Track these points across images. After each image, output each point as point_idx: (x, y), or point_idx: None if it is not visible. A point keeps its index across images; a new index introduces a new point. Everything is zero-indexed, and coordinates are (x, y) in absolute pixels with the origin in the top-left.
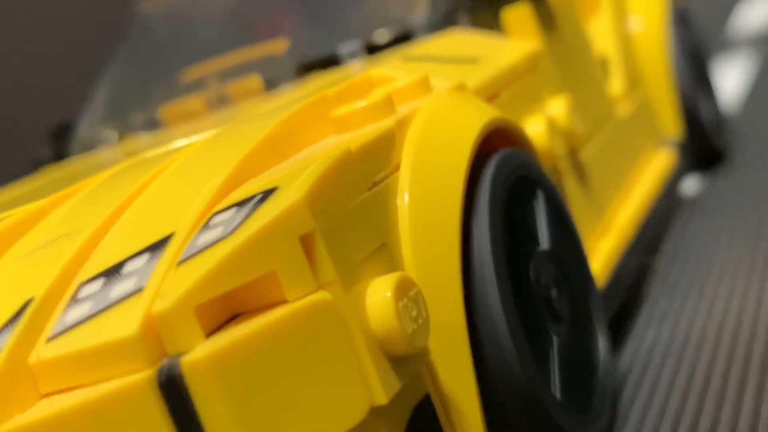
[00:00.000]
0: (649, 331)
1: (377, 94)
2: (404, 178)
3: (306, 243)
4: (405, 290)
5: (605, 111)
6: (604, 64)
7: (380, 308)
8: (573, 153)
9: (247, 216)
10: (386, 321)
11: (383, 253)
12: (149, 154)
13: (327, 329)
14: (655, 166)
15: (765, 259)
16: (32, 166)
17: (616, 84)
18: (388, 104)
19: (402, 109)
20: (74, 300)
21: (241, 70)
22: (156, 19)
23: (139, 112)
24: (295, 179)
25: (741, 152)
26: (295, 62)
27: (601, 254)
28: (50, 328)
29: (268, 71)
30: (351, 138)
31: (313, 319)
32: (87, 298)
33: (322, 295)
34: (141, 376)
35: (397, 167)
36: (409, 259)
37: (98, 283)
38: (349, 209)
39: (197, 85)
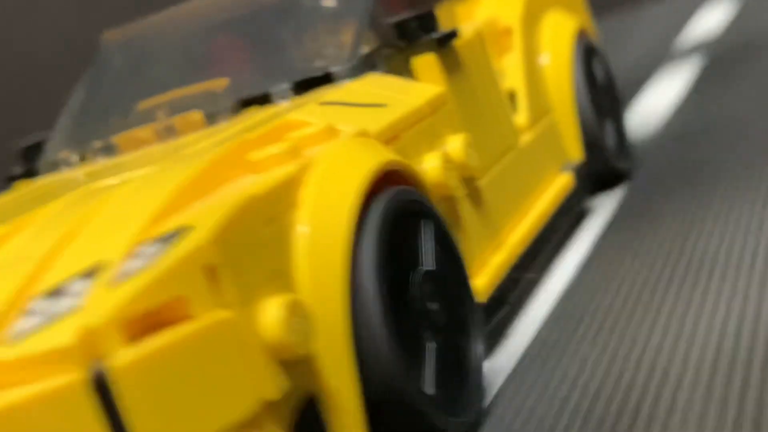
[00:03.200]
0: (535, 340)
1: (287, 142)
2: (302, 213)
3: (210, 272)
4: (295, 310)
5: (508, 142)
6: (513, 97)
7: (272, 323)
8: (469, 182)
9: (165, 249)
10: (276, 333)
11: (280, 279)
12: (98, 184)
13: (226, 340)
14: (554, 189)
15: (667, 277)
16: (7, 180)
17: (522, 116)
18: (295, 150)
19: (308, 153)
20: (25, 313)
21: (187, 103)
22: (116, 50)
23: (97, 137)
24: (207, 219)
25: (648, 171)
26: (233, 99)
27: (490, 269)
28: (3, 336)
29: (210, 106)
30: (260, 180)
31: (215, 332)
32: (35, 312)
33: (222, 313)
34: (76, 376)
35: (297, 206)
36: (304, 282)
37: (45, 300)
38: (251, 242)
39: (149, 115)
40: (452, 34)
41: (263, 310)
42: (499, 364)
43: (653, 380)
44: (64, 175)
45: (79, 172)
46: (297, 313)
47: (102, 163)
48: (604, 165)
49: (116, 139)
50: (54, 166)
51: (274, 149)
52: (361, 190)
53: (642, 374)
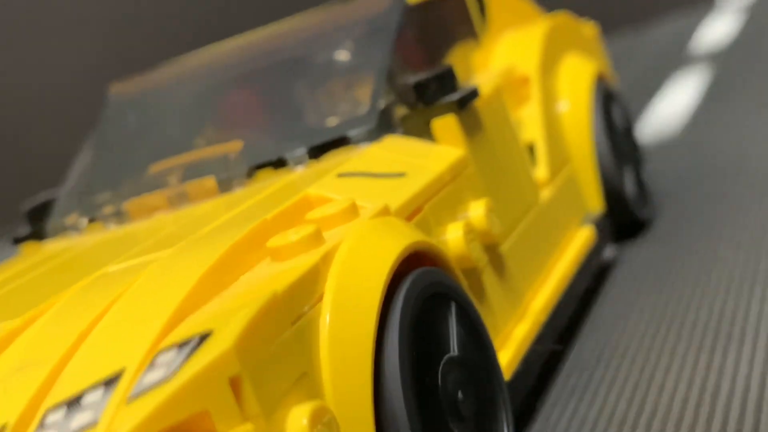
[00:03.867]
0: (556, 408)
1: (308, 225)
2: (325, 308)
3: (234, 384)
4: (319, 417)
5: (529, 201)
6: (532, 149)
7: None
8: (491, 249)
9: (185, 359)
10: None
11: (303, 382)
12: (111, 268)
13: None
14: (575, 245)
15: (676, 334)
16: (14, 241)
17: (542, 170)
18: (316, 237)
19: (330, 235)
20: (41, 426)
21: (200, 167)
22: (124, 106)
23: (107, 201)
24: (226, 324)
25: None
26: (247, 164)
27: (514, 342)
28: None
29: (223, 171)
30: (280, 272)
31: None
32: (51, 425)
33: (246, 427)
34: None
35: (320, 298)
36: (328, 383)
37: (61, 412)
38: (274, 347)
39: (160, 179)
40: (473, 95)
41: (289, 420)
42: None
43: None
44: (74, 241)
45: (88, 241)
46: (322, 421)
47: (112, 232)
48: (624, 215)
49: (127, 205)
50: (62, 230)
51: (294, 235)
52: (385, 281)
53: None
